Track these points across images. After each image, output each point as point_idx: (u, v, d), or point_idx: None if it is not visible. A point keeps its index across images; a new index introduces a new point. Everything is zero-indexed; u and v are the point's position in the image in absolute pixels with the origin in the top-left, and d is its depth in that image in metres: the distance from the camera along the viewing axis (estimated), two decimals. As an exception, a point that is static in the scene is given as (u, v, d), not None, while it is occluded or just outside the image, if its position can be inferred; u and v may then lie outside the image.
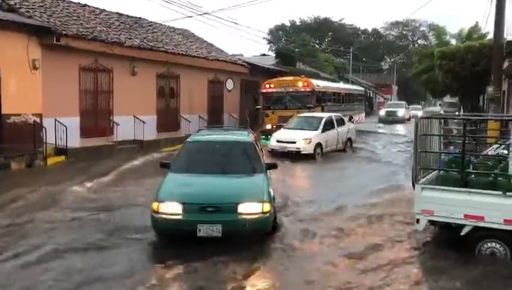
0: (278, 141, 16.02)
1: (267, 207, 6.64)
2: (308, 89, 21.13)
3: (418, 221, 6.50)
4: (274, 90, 21.48)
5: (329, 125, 16.84)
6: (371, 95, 59.22)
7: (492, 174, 6.39)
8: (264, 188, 7.02)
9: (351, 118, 26.22)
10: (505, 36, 15.84)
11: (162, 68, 19.94)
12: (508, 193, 5.95)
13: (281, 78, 22.70)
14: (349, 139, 18.19)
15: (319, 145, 15.94)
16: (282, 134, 16.46)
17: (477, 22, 41.53)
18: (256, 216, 6.56)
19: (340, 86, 28.43)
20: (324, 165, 15.02)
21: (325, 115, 17.44)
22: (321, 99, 21.85)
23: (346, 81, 44.87)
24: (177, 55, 20.42)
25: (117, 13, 21.01)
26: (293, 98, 20.98)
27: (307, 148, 15.47)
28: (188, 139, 8.51)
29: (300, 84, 21.33)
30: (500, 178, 6.22)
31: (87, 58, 16.34)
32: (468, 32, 30.95)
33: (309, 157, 15.40)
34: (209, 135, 9.22)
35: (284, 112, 20.43)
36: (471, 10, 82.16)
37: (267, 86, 21.74)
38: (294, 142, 15.57)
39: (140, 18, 22.31)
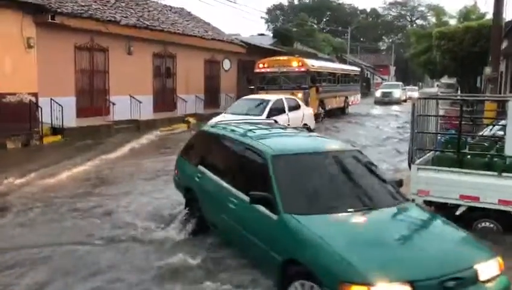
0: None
1: (500, 262, 4.17)
2: (302, 69, 20.58)
3: (413, 201, 6.54)
4: (268, 70, 20.97)
5: (277, 110, 14.41)
6: (369, 76, 59.04)
7: (488, 155, 6.42)
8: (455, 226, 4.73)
9: (346, 99, 26.13)
10: (504, 16, 15.76)
11: (158, 47, 19.76)
12: (503, 174, 5.99)
13: (274, 58, 22.10)
14: (306, 126, 14.96)
15: None
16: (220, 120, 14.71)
17: (475, 2, 41.21)
18: (496, 282, 4.05)
19: (336, 66, 27.84)
20: None
21: (273, 98, 15.03)
22: (316, 79, 21.24)
23: (344, 61, 44.61)
24: (174, 34, 20.22)
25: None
26: (287, 79, 20.53)
27: None
28: (268, 152, 5.09)
29: (294, 64, 20.78)
30: (495, 159, 6.25)
31: (83, 37, 16.16)
32: (466, 13, 30.75)
33: None
34: (275, 137, 5.92)
35: (278, 92, 19.71)
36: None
37: (261, 65, 21.25)
38: None
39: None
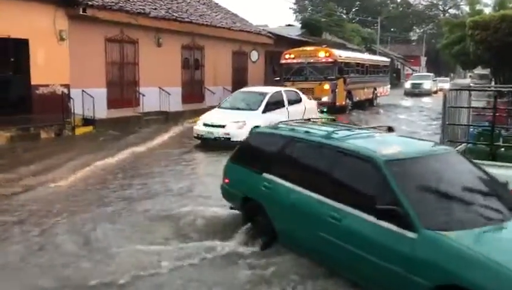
0: (205, 125, 12.43)
1: None
2: (330, 60, 20.17)
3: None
4: (294, 60, 20.59)
5: (275, 103, 13.21)
6: (399, 67, 57.97)
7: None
8: None
9: (374, 90, 25.56)
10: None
11: (186, 39, 19.89)
12: (538, 167, 5.81)
13: (301, 48, 21.68)
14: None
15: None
16: (211, 115, 12.88)
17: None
18: None
19: (365, 57, 27.36)
20: None
21: (271, 90, 13.78)
22: (344, 70, 20.81)
23: (374, 52, 43.90)
24: (202, 25, 20.31)
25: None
26: (314, 70, 20.15)
27: (238, 134, 11.33)
28: (377, 157, 4.43)
29: (321, 54, 20.35)
30: (530, 152, 6.06)
31: (113, 29, 16.41)
32: (502, 1, 29.74)
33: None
34: (367, 139, 5.19)
35: (305, 84, 19.56)
36: (507, -23, 78.72)
37: (287, 56, 20.89)
38: (223, 126, 12.05)
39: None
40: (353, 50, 32.40)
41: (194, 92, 20.70)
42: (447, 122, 6.46)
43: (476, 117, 7.81)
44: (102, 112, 15.43)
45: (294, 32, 33.98)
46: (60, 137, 13.45)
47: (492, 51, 22.64)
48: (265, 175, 5.51)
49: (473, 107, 7.46)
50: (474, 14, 28.82)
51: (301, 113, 13.23)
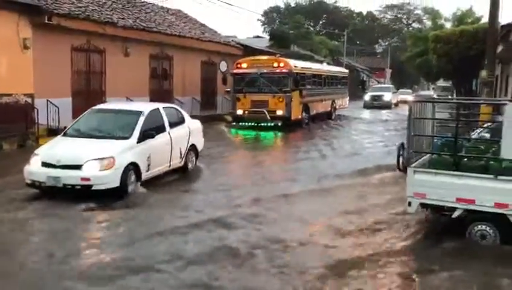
0: (46, 165, 8.08)
1: None
2: (284, 70, 18.71)
3: (409, 204, 6.55)
4: (246, 70, 19.10)
5: (154, 128, 9.28)
6: (365, 79, 59.20)
7: (484, 158, 6.44)
8: None
9: (333, 103, 24.59)
10: (499, 20, 15.86)
11: (155, 49, 19.77)
12: (499, 177, 6.01)
13: (254, 58, 20.33)
14: (193, 147, 10.76)
15: (131, 169, 8.39)
16: (56, 149, 8.58)
17: (471, 6, 41.38)
18: None
19: (323, 68, 25.64)
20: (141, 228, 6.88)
21: (146, 108, 9.67)
22: (300, 81, 19.35)
23: (340, 64, 44.68)
24: (171, 36, 20.26)
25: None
26: (267, 81, 18.73)
27: (104, 178, 7.92)
28: None
29: (275, 64, 18.91)
30: (492, 162, 6.27)
31: (80, 38, 16.13)
32: (461, 16, 30.93)
33: (111, 195, 7.97)
34: None
35: (258, 96, 18.52)
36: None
37: (239, 65, 19.50)
38: (78, 167, 7.93)
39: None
40: (320, 62, 32.60)
41: (162, 102, 20.45)
42: (413, 134, 6.61)
43: (440, 128, 8.02)
44: (67, 121, 15.03)
45: (263, 44, 34.32)
46: (23, 148, 13.06)
47: (453, 64, 23.48)
48: None
49: (437, 119, 7.67)
50: (436, 29, 29.89)
51: (186, 137, 10.39)
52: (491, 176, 6.07)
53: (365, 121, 25.08)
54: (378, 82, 59.59)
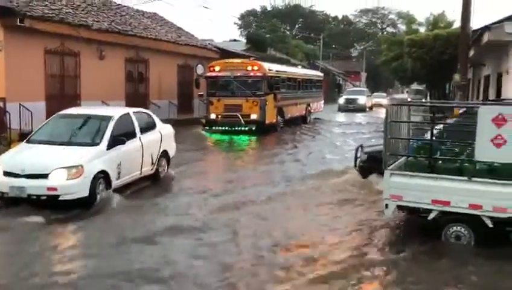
0: (8, 175, 7.70)
1: None
2: (258, 74, 18.39)
3: (386, 206, 6.63)
4: (220, 74, 18.73)
5: (125, 133, 8.90)
6: (341, 82, 59.85)
7: (459, 160, 6.57)
8: None
9: (308, 106, 24.42)
10: (471, 25, 16.25)
11: (130, 52, 19.57)
12: (473, 179, 6.13)
13: (227, 60, 19.98)
14: (165, 153, 10.40)
15: (101, 177, 8.04)
16: (19, 156, 8.16)
17: (443, 11, 42.29)
18: None
19: (297, 71, 25.46)
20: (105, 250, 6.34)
21: (116, 112, 9.28)
22: (274, 85, 19.01)
23: (316, 67, 45.08)
24: (146, 39, 20.09)
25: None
26: (241, 84, 18.39)
27: (72, 188, 7.58)
28: None
29: (249, 67, 18.57)
30: (466, 164, 6.39)
31: (53, 41, 15.85)
32: (434, 21, 31.57)
33: (79, 205, 7.66)
34: None
35: (231, 99, 18.21)
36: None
37: (212, 68, 19.08)
38: (44, 176, 7.55)
39: (108, 0, 21.79)
40: (295, 65, 32.75)
41: (138, 106, 19.98)
42: (389, 136, 6.69)
43: (416, 131, 8.14)
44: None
45: (240, 47, 34.34)
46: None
47: (427, 68, 23.92)
48: None
49: (413, 122, 7.78)
50: (410, 33, 30.39)
51: (157, 143, 9.98)
52: (465, 178, 6.19)
53: (339, 125, 25.06)
54: (354, 85, 60.31)
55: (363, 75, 67.00)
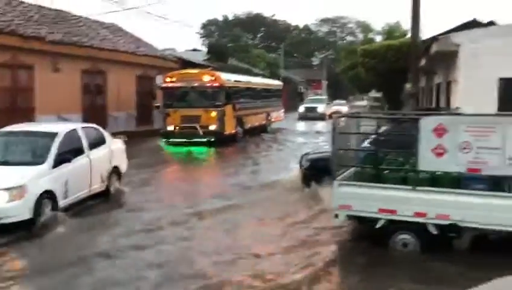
0: None
1: None
2: (215, 84, 18.25)
3: (336, 216, 6.79)
4: (176, 84, 18.53)
5: (71, 150, 8.56)
6: (302, 90, 60.58)
7: (404, 170, 6.79)
8: None
9: (268, 115, 24.49)
10: (421, 35, 16.83)
11: (87, 64, 19.24)
12: (417, 187, 6.36)
13: (184, 71, 19.93)
14: (116, 169, 10.13)
15: (46, 197, 7.67)
16: None
17: (397, 21, 43.56)
18: None
19: (257, 81, 25.34)
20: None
21: (62, 129, 8.83)
22: (232, 95, 19.02)
23: (278, 76, 45.53)
24: (103, 50, 19.81)
25: (37, 5, 20.00)
26: (199, 95, 18.30)
27: (15, 210, 7.18)
28: None
29: (206, 78, 18.45)
30: (410, 173, 6.62)
31: (4, 54, 15.41)
32: (389, 30, 32.51)
33: (22, 227, 7.26)
34: None
35: (189, 110, 18.00)
36: (397, 8, 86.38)
37: (168, 79, 18.85)
38: None
39: (63, 11, 21.41)
40: (257, 75, 32.93)
41: (96, 118, 19.77)
42: (337, 148, 6.86)
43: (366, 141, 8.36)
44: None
45: (201, 57, 34.33)
46: None
47: (380, 77, 24.56)
48: None
49: (360, 133, 7.99)
50: (366, 42, 31.20)
51: (107, 159, 9.71)
52: (410, 187, 6.42)
53: (299, 133, 25.29)
54: (316, 94, 61.14)
55: (324, 83, 68.05)
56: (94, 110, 19.87)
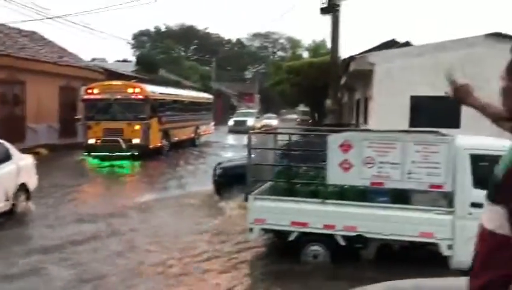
0: None
1: None
2: (140, 97, 17.89)
3: (251, 230, 6.92)
4: (98, 96, 18.02)
5: None
6: (235, 104, 61.06)
7: (314, 184, 7.07)
8: None
9: (197, 129, 24.41)
10: (340, 54, 17.69)
11: (3, 73, 18.27)
12: (326, 201, 6.65)
13: (106, 83, 19.42)
14: (23, 187, 9.53)
15: None
16: None
17: (323, 38, 45.16)
18: None
19: (184, 94, 24.82)
20: None
21: None
22: (158, 108, 18.78)
23: (210, 89, 45.60)
24: (22, 59, 18.92)
25: None
26: (122, 107, 17.84)
27: None
28: None
29: (130, 90, 18.05)
30: (320, 187, 6.90)
31: None
32: (314, 48, 33.70)
33: None
34: None
35: (112, 123, 17.59)
36: (325, 25, 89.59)
37: (90, 91, 18.31)
38: None
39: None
40: (189, 87, 32.61)
41: (13, 130, 18.86)
42: (252, 163, 7.02)
43: (284, 156, 8.60)
44: None
45: (130, 68, 33.68)
46: None
47: (305, 93, 25.40)
48: None
49: (276, 149, 8.21)
50: (294, 58, 32.13)
51: (14, 176, 9.13)
52: (320, 200, 6.69)
53: (227, 147, 25.28)
54: (248, 107, 61.81)
55: (257, 96, 69.00)
56: (11, 122, 18.87)
